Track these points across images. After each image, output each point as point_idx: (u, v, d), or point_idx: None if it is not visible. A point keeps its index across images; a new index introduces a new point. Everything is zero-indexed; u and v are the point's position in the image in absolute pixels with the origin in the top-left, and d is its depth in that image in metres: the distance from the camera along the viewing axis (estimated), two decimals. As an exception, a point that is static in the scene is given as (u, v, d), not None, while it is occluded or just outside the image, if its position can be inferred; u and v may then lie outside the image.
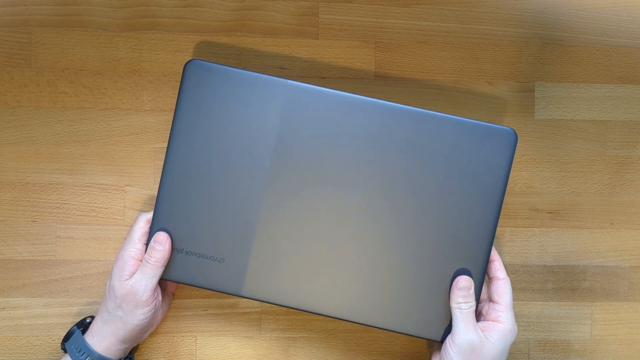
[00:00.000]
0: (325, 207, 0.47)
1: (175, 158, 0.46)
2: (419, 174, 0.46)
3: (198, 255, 0.47)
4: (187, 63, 0.46)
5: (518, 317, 0.55)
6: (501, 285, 0.47)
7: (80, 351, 0.46)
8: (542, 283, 0.55)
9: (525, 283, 0.55)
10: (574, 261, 0.56)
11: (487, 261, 0.47)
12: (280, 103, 0.46)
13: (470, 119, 0.46)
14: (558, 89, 0.55)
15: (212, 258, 0.47)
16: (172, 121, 0.47)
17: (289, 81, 0.46)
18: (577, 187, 0.56)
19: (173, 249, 0.47)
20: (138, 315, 0.46)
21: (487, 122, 0.46)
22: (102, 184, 0.53)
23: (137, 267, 0.46)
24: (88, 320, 0.49)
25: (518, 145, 0.55)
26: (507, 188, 0.55)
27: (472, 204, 0.46)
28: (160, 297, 0.48)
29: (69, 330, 0.49)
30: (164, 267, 0.46)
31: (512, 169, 0.55)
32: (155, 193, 0.53)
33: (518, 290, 0.55)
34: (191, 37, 0.53)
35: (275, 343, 0.54)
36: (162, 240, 0.46)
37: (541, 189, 0.55)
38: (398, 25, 0.54)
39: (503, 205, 0.55)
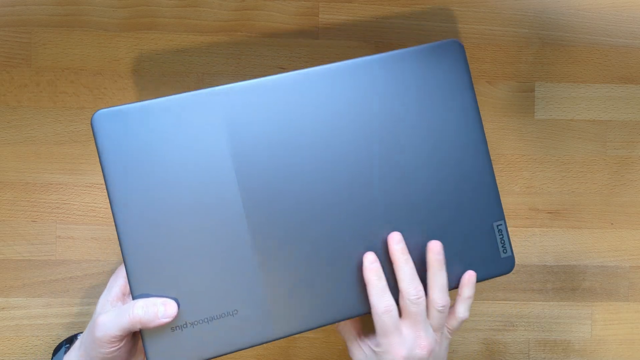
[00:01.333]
0: (318, 205, 0.42)
1: (128, 229, 0.39)
2: (393, 131, 0.43)
3: (207, 320, 0.39)
4: (93, 117, 0.39)
5: (518, 317, 0.55)
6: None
7: None
8: (542, 283, 0.55)
9: (525, 283, 0.55)
10: (574, 261, 0.56)
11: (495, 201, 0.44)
12: (219, 117, 0.40)
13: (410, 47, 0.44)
14: (558, 89, 0.55)
15: (223, 315, 0.40)
16: (107, 188, 0.39)
17: (213, 89, 0.41)
18: (577, 187, 0.56)
19: (169, 329, 0.39)
20: (98, 351, 0.40)
21: (427, 44, 0.44)
22: (102, 184, 0.53)
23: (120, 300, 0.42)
24: (79, 337, 0.47)
25: (518, 145, 0.55)
26: (507, 188, 0.55)
27: (454, 139, 0.43)
28: (127, 347, 0.41)
29: (58, 345, 0.48)
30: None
31: (511, 168, 0.55)
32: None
33: (518, 290, 0.55)
34: (191, 37, 0.53)
35: (274, 343, 0.54)
36: (171, 313, 0.39)
37: (541, 189, 0.55)
38: (398, 25, 0.54)
39: (503, 206, 0.55)
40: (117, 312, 0.39)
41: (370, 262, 0.42)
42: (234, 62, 0.53)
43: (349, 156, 0.42)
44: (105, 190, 0.53)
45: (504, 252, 0.45)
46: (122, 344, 0.40)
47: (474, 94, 0.44)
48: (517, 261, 0.55)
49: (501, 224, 0.44)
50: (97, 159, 0.53)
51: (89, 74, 0.53)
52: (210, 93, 0.40)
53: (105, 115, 0.39)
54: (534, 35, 0.55)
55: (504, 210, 0.55)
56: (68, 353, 0.44)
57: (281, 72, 0.51)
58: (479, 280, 0.44)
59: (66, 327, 0.53)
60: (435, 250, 0.43)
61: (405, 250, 0.42)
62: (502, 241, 0.44)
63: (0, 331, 0.52)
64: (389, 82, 0.43)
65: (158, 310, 0.38)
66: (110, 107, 0.40)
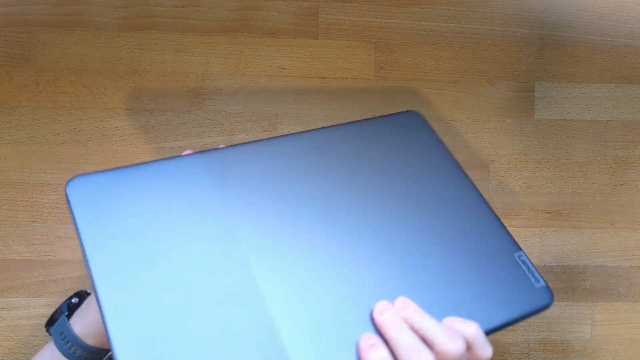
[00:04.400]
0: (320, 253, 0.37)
1: (113, 308, 0.32)
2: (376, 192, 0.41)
3: None
4: (67, 185, 0.35)
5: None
6: None
7: (65, 339, 0.41)
8: (542, 283, 0.55)
9: (526, 283, 0.55)
10: (574, 261, 0.56)
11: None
12: (205, 177, 0.37)
13: (370, 117, 0.44)
14: (558, 89, 0.55)
15: None
16: (86, 263, 0.33)
17: (190, 156, 0.38)
18: (577, 187, 0.56)
19: None
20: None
21: (384, 115, 0.44)
22: (102, 184, 0.53)
23: None
24: (74, 301, 0.45)
25: (518, 145, 0.55)
26: (507, 188, 0.55)
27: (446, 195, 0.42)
28: None
29: (54, 312, 0.45)
30: None
31: (511, 168, 0.55)
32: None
33: (518, 290, 0.55)
34: (191, 37, 0.53)
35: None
36: None
37: (541, 189, 0.55)
38: (398, 25, 0.54)
39: (503, 205, 0.55)
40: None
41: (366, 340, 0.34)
42: (234, 62, 0.53)
43: (344, 221, 0.39)
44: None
45: (536, 282, 0.41)
46: None
47: (446, 149, 0.44)
48: (517, 261, 0.55)
49: (522, 255, 0.42)
50: (97, 159, 0.53)
51: (89, 74, 0.53)
52: (189, 162, 0.38)
53: (82, 182, 0.35)
54: (534, 35, 0.55)
55: (504, 211, 0.55)
56: (76, 318, 0.42)
57: (281, 72, 0.51)
58: (519, 319, 0.39)
59: (66, 327, 0.53)
60: (401, 306, 0.35)
61: (395, 314, 0.34)
62: (530, 271, 0.41)
63: (0, 331, 0.52)
64: (363, 151, 0.42)
65: None
66: (86, 173, 0.36)
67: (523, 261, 0.41)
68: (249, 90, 0.54)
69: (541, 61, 0.55)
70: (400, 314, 0.34)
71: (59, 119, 0.53)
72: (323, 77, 0.54)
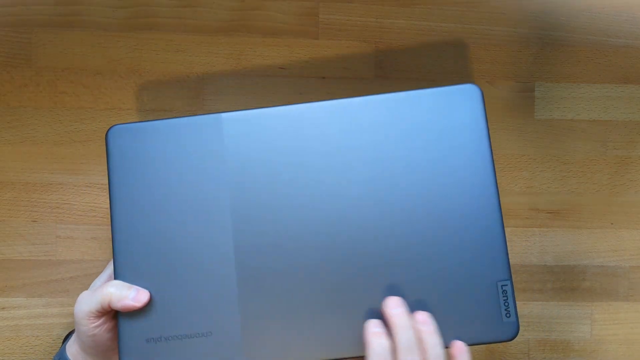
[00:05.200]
0: (309, 245, 0.40)
1: (122, 233, 0.41)
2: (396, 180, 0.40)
3: (180, 337, 0.39)
4: (108, 131, 0.42)
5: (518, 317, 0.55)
6: None
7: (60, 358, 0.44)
8: (542, 283, 0.55)
9: (525, 283, 0.55)
10: (574, 261, 0.56)
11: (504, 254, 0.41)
12: (221, 139, 0.41)
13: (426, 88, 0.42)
14: (558, 89, 0.55)
15: (197, 335, 0.39)
16: (110, 198, 0.41)
17: (223, 114, 0.41)
18: (577, 187, 0.56)
19: (144, 340, 0.40)
20: (80, 331, 0.41)
21: (444, 86, 0.42)
22: (102, 184, 0.53)
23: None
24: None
25: (518, 145, 0.55)
26: (507, 188, 0.55)
27: (463, 185, 0.41)
28: (109, 330, 0.41)
29: (68, 333, 0.48)
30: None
31: (511, 168, 0.55)
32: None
33: (518, 290, 0.55)
34: (191, 37, 0.53)
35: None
36: (141, 299, 0.39)
37: (541, 189, 0.55)
38: (398, 25, 0.54)
39: (503, 205, 0.55)
40: (94, 290, 0.40)
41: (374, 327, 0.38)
42: (234, 62, 0.53)
43: (349, 198, 0.41)
44: (105, 191, 0.53)
45: (506, 315, 0.40)
46: (100, 323, 0.40)
47: (489, 143, 0.41)
48: (517, 261, 0.55)
49: (506, 285, 0.40)
50: (97, 159, 0.53)
51: (89, 74, 0.53)
52: (217, 119, 0.41)
53: (119, 131, 0.42)
54: (534, 35, 0.55)
55: (504, 211, 0.55)
56: (69, 341, 0.44)
57: (281, 72, 0.51)
58: (472, 344, 0.40)
59: (66, 327, 0.53)
60: (421, 320, 0.38)
61: (406, 314, 0.38)
62: (506, 304, 0.40)
63: (0, 331, 0.52)
64: (398, 124, 0.41)
65: (129, 292, 0.39)
66: (125, 123, 0.42)
67: (504, 291, 0.41)
68: (249, 90, 0.54)
69: (541, 61, 0.55)
70: (413, 324, 0.38)
71: (59, 119, 0.53)
72: (323, 77, 0.54)
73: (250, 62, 0.54)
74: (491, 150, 0.41)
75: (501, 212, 0.41)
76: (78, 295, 0.52)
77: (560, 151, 0.55)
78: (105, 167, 0.53)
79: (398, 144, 0.41)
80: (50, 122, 0.53)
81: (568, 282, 0.56)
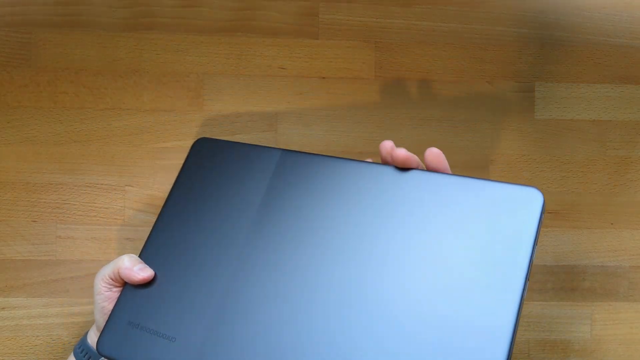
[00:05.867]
0: (301, 293, 0.37)
1: (161, 226, 0.44)
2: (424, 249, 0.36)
3: (151, 331, 0.40)
4: (196, 141, 0.45)
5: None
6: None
7: (82, 351, 0.45)
8: (542, 283, 0.55)
9: (525, 283, 0.55)
10: (574, 261, 0.56)
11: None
12: (269, 173, 0.42)
13: (483, 179, 0.37)
14: (558, 89, 0.55)
15: (163, 335, 0.40)
16: (169, 193, 0.44)
17: (287, 151, 0.42)
18: (577, 187, 0.56)
19: (127, 322, 0.41)
20: (96, 298, 0.43)
21: (504, 182, 0.36)
22: (102, 184, 0.53)
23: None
24: None
25: (518, 145, 0.55)
26: (507, 188, 0.55)
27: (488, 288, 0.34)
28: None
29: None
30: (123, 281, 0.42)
31: (511, 168, 0.55)
32: (155, 193, 0.53)
33: (518, 290, 0.55)
34: (191, 37, 0.53)
35: None
36: (143, 274, 0.41)
37: (541, 189, 0.55)
38: (398, 25, 0.54)
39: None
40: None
41: None
42: (234, 62, 0.53)
43: (359, 276, 0.36)
44: (105, 191, 0.53)
45: None
46: (111, 294, 0.42)
47: (530, 258, 0.33)
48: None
49: None
50: (97, 159, 0.53)
51: (89, 74, 0.53)
52: (277, 153, 0.43)
53: (204, 142, 0.45)
54: (534, 35, 0.55)
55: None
56: (89, 331, 0.46)
57: (281, 72, 0.51)
58: None
59: (66, 327, 0.53)
60: None
61: None
62: None
63: (0, 331, 0.52)
64: (443, 208, 0.36)
65: (137, 266, 0.42)
66: (211, 138, 0.45)
67: None
68: (249, 90, 0.54)
69: (541, 61, 0.55)
70: None
71: (59, 119, 0.53)
72: (323, 77, 0.54)
73: (250, 62, 0.54)
74: (530, 265, 0.33)
75: (513, 336, 0.33)
76: (78, 295, 0.53)
77: (560, 151, 0.55)
78: (105, 167, 0.53)
79: (437, 231, 0.36)
80: (50, 122, 0.53)
81: (568, 282, 0.56)
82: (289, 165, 0.42)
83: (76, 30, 0.53)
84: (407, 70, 0.54)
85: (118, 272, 0.42)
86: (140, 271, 0.41)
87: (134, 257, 0.43)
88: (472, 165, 0.54)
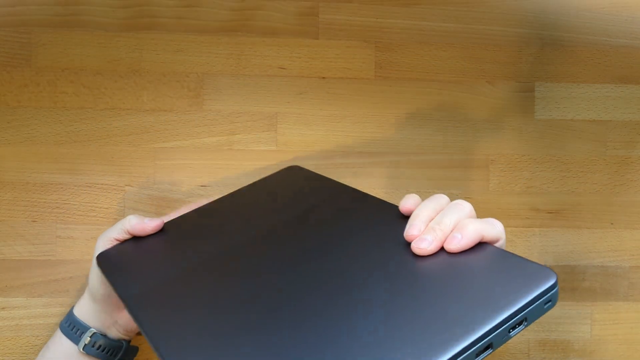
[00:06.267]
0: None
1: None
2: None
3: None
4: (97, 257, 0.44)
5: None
6: None
7: (69, 325, 0.45)
8: (542, 283, 0.55)
9: (525, 283, 0.55)
10: (574, 261, 0.56)
11: None
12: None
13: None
14: (558, 89, 0.55)
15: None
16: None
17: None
18: (577, 187, 0.56)
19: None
20: (95, 268, 0.43)
21: (524, 260, 0.32)
22: (102, 184, 0.53)
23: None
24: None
25: (518, 145, 0.55)
26: (507, 188, 0.55)
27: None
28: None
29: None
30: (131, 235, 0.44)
31: (511, 168, 0.55)
32: (155, 192, 0.53)
33: (518, 290, 0.55)
34: (191, 37, 0.53)
35: None
36: (154, 224, 0.44)
37: (541, 189, 0.55)
38: (398, 25, 0.54)
39: (503, 206, 0.55)
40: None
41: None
42: (234, 62, 0.53)
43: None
44: (105, 191, 0.53)
45: None
46: None
47: (503, 325, 0.29)
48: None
49: None
50: (97, 159, 0.53)
51: (89, 74, 0.53)
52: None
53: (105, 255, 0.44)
54: (534, 35, 0.55)
55: (504, 211, 0.55)
56: (77, 304, 0.47)
57: (281, 72, 0.50)
58: None
59: (66, 327, 0.53)
60: None
61: None
62: None
63: (0, 331, 0.52)
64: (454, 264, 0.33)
65: (146, 219, 0.44)
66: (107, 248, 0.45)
67: None
68: (249, 90, 0.54)
69: (541, 61, 0.55)
70: None
71: (59, 119, 0.53)
72: (323, 77, 0.54)
73: (250, 62, 0.54)
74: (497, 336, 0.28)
75: None
76: (78, 295, 0.52)
77: (560, 151, 0.55)
78: (105, 167, 0.53)
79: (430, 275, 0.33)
80: (50, 122, 0.53)
81: (568, 282, 0.56)
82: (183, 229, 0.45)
83: (76, 30, 0.53)
84: (407, 70, 0.54)
85: (126, 231, 0.44)
86: (151, 221, 0.44)
87: (138, 215, 0.45)
88: (472, 164, 0.54)
